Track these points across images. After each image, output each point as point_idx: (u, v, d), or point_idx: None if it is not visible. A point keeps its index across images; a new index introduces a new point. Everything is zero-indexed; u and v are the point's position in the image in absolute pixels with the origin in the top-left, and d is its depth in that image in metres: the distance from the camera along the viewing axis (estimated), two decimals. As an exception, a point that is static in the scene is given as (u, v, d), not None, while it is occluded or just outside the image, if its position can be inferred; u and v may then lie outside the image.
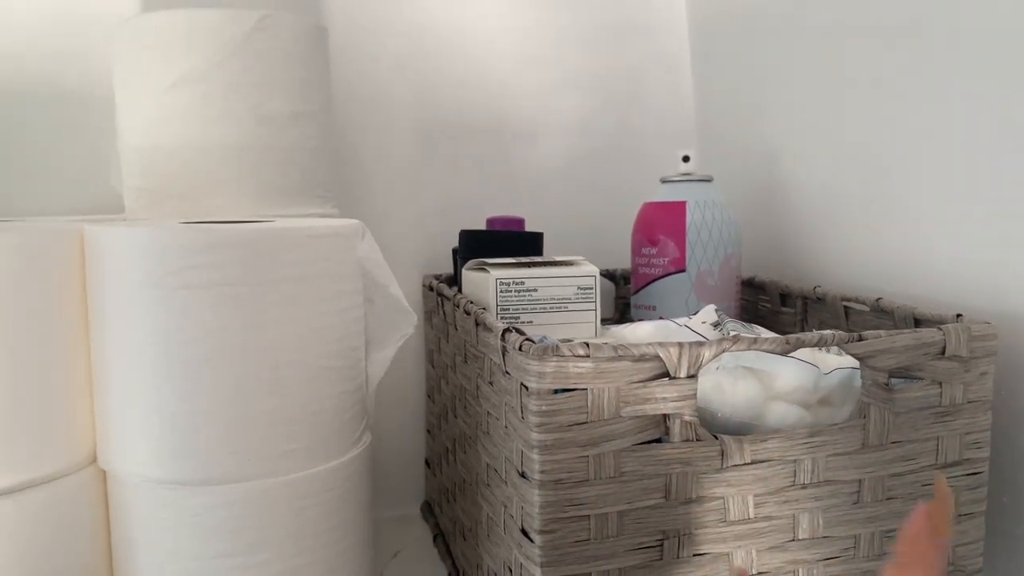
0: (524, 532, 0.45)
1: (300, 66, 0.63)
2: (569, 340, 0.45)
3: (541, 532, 0.43)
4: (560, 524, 0.43)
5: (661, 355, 0.43)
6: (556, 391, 0.42)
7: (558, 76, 0.86)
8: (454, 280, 0.74)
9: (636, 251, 0.70)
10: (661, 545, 0.45)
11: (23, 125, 0.72)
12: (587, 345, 0.42)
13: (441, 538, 0.72)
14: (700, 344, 0.43)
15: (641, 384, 0.43)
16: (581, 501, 0.43)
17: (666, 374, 0.43)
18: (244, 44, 0.60)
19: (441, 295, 0.68)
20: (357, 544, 0.54)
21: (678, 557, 0.45)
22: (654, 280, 0.68)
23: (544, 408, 0.42)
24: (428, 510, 0.80)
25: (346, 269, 0.52)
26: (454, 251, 0.77)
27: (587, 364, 0.42)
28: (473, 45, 0.84)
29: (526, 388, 0.43)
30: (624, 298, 0.82)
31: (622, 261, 0.78)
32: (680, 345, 0.43)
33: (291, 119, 0.63)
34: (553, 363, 0.42)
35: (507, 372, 0.47)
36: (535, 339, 0.44)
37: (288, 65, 0.62)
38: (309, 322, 0.50)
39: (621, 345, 0.43)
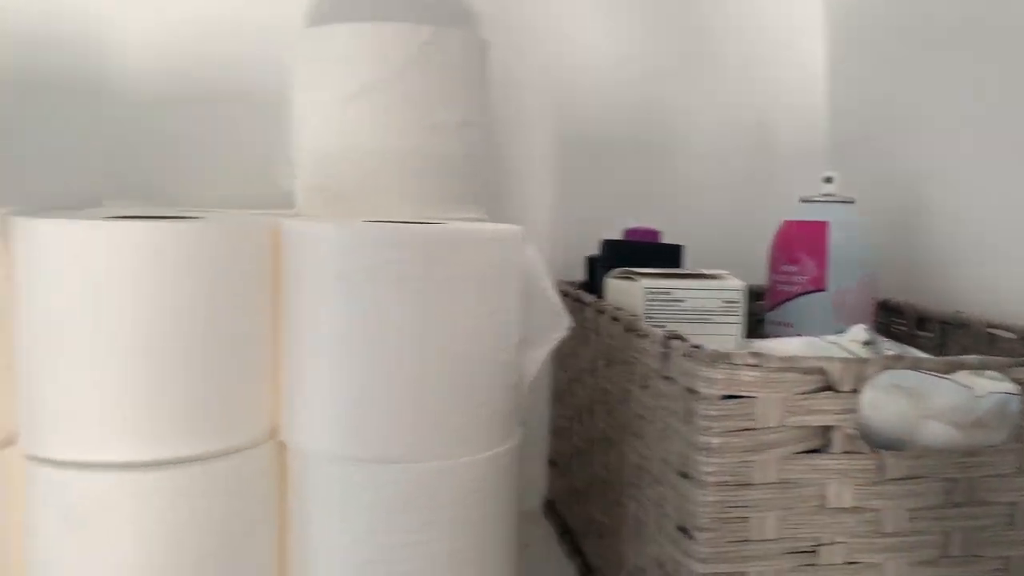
0: (682, 530, 0.47)
1: (466, 77, 0.67)
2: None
3: (703, 530, 0.45)
4: (721, 523, 0.45)
5: (827, 368, 0.45)
6: (725, 396, 0.44)
7: (696, 93, 0.88)
8: (588, 287, 0.77)
9: (774, 268, 0.72)
10: (815, 551, 0.46)
11: (198, 123, 0.78)
12: (757, 354, 0.44)
13: (568, 536, 0.75)
14: (864, 360, 0.45)
15: (805, 395, 0.45)
16: (742, 503, 0.45)
17: (829, 387, 0.45)
18: (419, 56, 0.64)
19: (579, 301, 0.71)
20: (508, 532, 0.57)
21: (831, 564, 0.47)
22: (792, 298, 0.70)
23: (713, 412, 0.44)
24: (551, 509, 0.82)
25: (511, 271, 0.56)
26: (588, 259, 0.80)
27: (757, 373, 0.44)
28: (612, 61, 0.87)
29: (694, 393, 0.46)
30: (754, 314, 0.83)
31: (749, 277, 0.79)
32: (846, 360, 0.45)
33: (456, 128, 0.66)
34: (724, 370, 0.44)
35: (667, 377, 0.50)
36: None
37: (456, 76, 0.66)
38: (478, 318, 0.53)
39: (789, 357, 0.45)
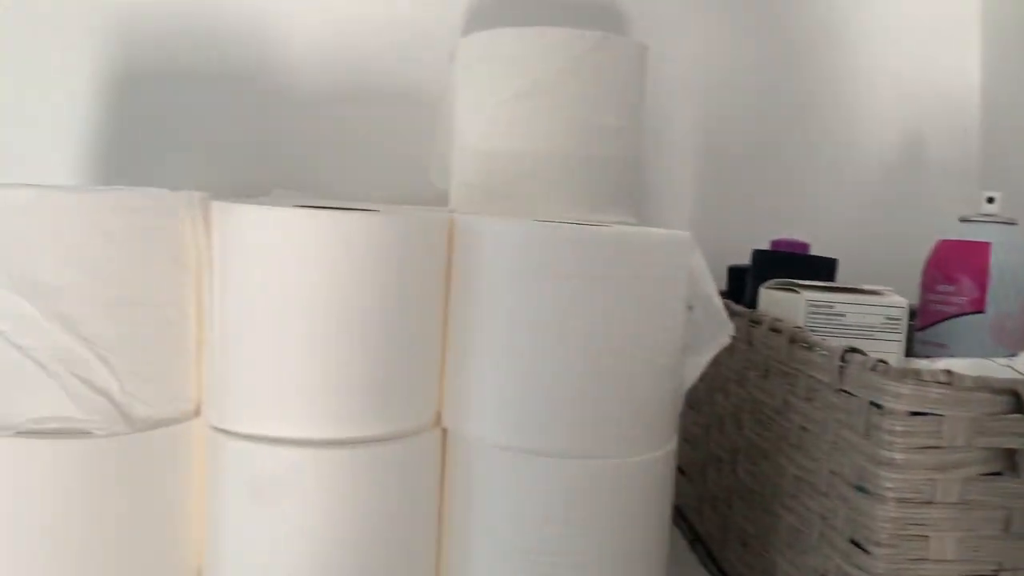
0: (855, 543, 0.47)
1: (626, 83, 0.68)
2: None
3: (881, 545, 0.45)
4: (900, 540, 0.45)
5: (1020, 391, 0.44)
6: (912, 413, 0.44)
7: (844, 106, 0.87)
8: (731, 296, 0.77)
9: (929, 287, 0.71)
10: (996, 575, 0.46)
11: (356, 120, 0.81)
12: (949, 372, 0.44)
13: (700, 543, 0.75)
14: (1060, 384, 0.44)
15: (994, 416, 0.44)
16: (923, 521, 0.45)
17: (1019, 410, 0.44)
18: (584, 61, 0.65)
19: (728, 310, 0.71)
20: (663, 534, 0.57)
21: (1011, 590, 0.46)
22: (948, 318, 0.69)
23: (899, 428, 0.44)
24: (678, 515, 0.82)
25: (680, 275, 0.56)
26: (730, 269, 0.80)
27: (946, 391, 0.44)
28: (762, 73, 0.86)
29: (878, 407, 0.45)
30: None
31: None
32: (1041, 383, 0.44)
33: (615, 133, 0.67)
34: (912, 385, 0.44)
35: (844, 390, 0.49)
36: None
37: (616, 82, 0.67)
38: (647, 321, 0.54)
39: (980, 377, 0.44)
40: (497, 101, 0.67)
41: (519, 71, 0.67)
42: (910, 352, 0.77)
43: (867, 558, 0.46)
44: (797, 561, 0.55)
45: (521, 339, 0.53)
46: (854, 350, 0.49)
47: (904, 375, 0.44)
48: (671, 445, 0.57)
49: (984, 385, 0.44)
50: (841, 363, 0.50)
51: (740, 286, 0.76)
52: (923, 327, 0.71)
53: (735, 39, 0.86)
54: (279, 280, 0.51)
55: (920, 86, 0.88)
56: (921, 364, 0.59)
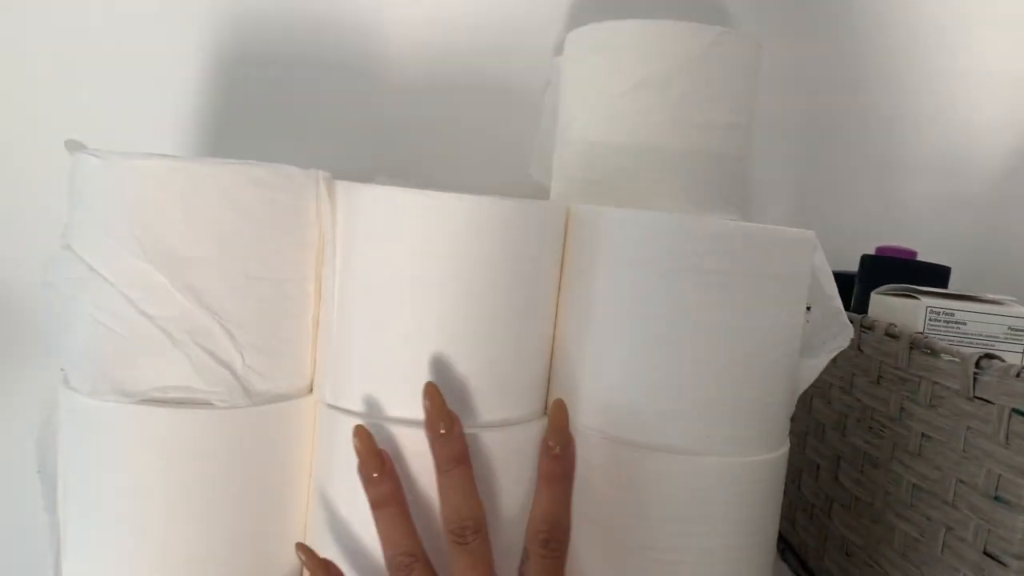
0: (992, 556, 0.45)
1: (741, 80, 0.67)
2: None
3: (1020, 558, 0.43)
4: (1041, 554, 0.43)
5: None
6: (1059, 422, 0.43)
7: (951, 114, 0.85)
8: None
9: (1045, 300, 0.69)
10: None
11: (458, 111, 0.81)
12: (1102, 382, 0.42)
13: (791, 552, 0.73)
14: None
15: None
16: (1065, 535, 0.43)
17: None
18: (701, 56, 0.64)
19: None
20: (774, 536, 0.56)
21: None
22: (1067, 332, 0.66)
23: (1045, 437, 0.43)
24: (766, 523, 0.81)
25: (802, 275, 0.55)
26: (834, 273, 0.78)
27: (1099, 400, 0.42)
28: (863, 77, 0.85)
29: (1021, 414, 0.44)
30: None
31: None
32: None
33: (727, 129, 0.66)
34: (1061, 394, 0.42)
35: (975, 397, 0.48)
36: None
37: (732, 78, 0.66)
38: (773, 318, 0.53)
39: None
40: (610, 94, 0.66)
41: (635, 64, 0.66)
42: (1022, 366, 0.75)
43: (1004, 570, 0.44)
44: (913, 573, 0.53)
45: (636, 330, 0.52)
46: (991, 356, 0.48)
47: (1053, 383, 0.43)
48: (784, 448, 0.56)
49: None
50: (976, 370, 0.48)
51: (842, 292, 0.74)
52: (1039, 341, 0.69)
53: (843, 39, 0.84)
54: (399, 261, 0.51)
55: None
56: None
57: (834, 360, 0.68)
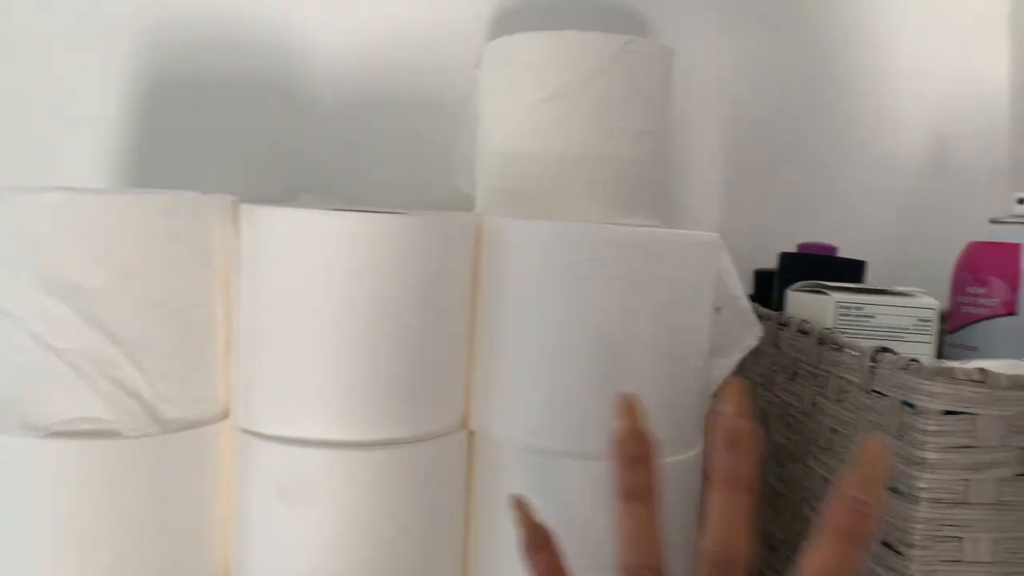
0: (888, 545, 0.46)
1: (652, 87, 0.68)
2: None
3: (914, 547, 0.44)
4: (934, 541, 0.44)
5: (1056, 390, 0.43)
6: (945, 412, 0.44)
7: (870, 107, 0.86)
8: (758, 299, 0.76)
9: (959, 289, 0.70)
10: (1033, 578, 0.45)
11: (382, 126, 0.81)
12: (983, 371, 0.43)
13: (727, 549, 0.74)
14: (1097, 384, 0.44)
15: (1029, 416, 0.44)
16: (956, 523, 0.44)
17: (1056, 409, 0.44)
18: (611, 65, 0.65)
19: (755, 313, 0.71)
20: (692, 534, 0.57)
21: (1049, 593, 0.45)
22: (979, 320, 0.68)
23: (931, 428, 0.44)
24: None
25: (708, 277, 0.56)
26: (756, 272, 0.80)
27: (982, 390, 0.43)
28: (787, 79, 0.86)
29: (911, 407, 0.45)
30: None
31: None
32: (1077, 382, 0.44)
33: (639, 136, 0.67)
34: (945, 384, 0.43)
35: (875, 391, 0.49)
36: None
37: (643, 85, 0.67)
38: (678, 321, 0.54)
39: (1015, 375, 0.44)
40: (524, 105, 0.67)
41: (546, 75, 0.66)
42: (940, 355, 0.77)
43: (899, 560, 0.45)
44: (828, 564, 0.54)
45: (548, 340, 0.53)
46: (885, 350, 0.49)
47: (937, 374, 0.44)
48: (699, 448, 0.57)
49: (1019, 383, 0.43)
50: (872, 363, 0.49)
51: (767, 289, 0.75)
52: (953, 330, 0.70)
53: (763, 41, 0.85)
54: (306, 282, 0.52)
55: (950, 87, 0.87)
56: (954, 363, 0.59)
57: (756, 358, 0.70)
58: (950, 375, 0.43)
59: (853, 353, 0.52)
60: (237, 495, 0.55)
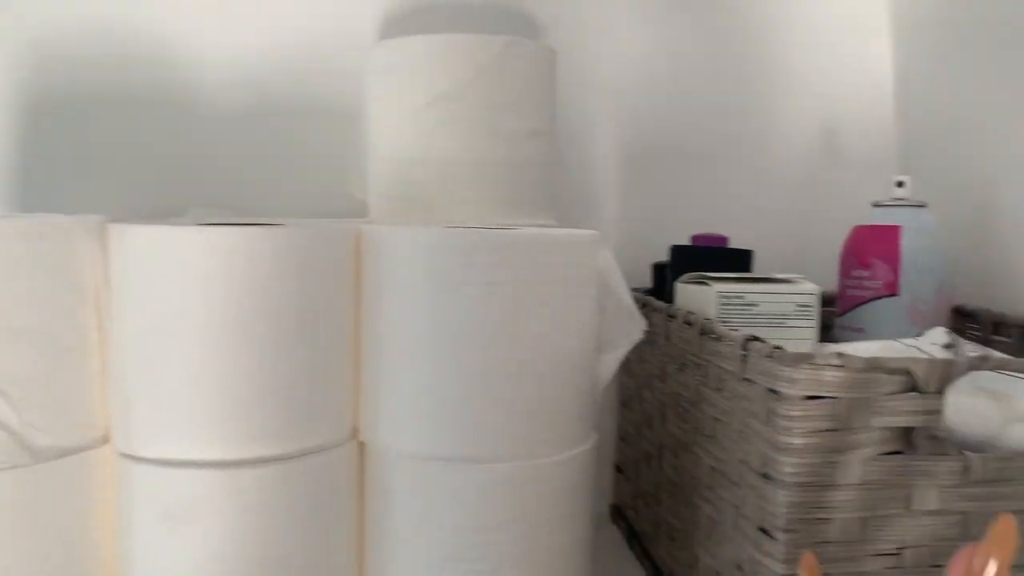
0: (763, 530, 0.47)
1: (536, 87, 0.68)
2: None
3: (785, 531, 0.45)
4: (804, 524, 0.45)
5: (912, 369, 0.45)
6: (808, 397, 0.45)
7: (762, 99, 0.88)
8: (654, 293, 0.77)
9: (845, 273, 0.72)
10: (900, 553, 0.46)
11: (276, 136, 0.80)
12: (840, 355, 0.44)
13: (636, 540, 0.75)
14: (950, 361, 0.45)
15: (890, 396, 0.45)
16: (825, 504, 0.45)
17: (914, 388, 0.45)
18: (492, 66, 0.65)
19: (648, 306, 0.72)
20: (584, 533, 0.57)
21: (916, 567, 0.46)
22: (864, 303, 0.69)
23: (795, 413, 0.45)
24: (618, 513, 0.83)
25: (589, 274, 0.56)
26: (654, 266, 0.81)
27: (840, 373, 0.44)
28: (679, 68, 0.87)
29: (775, 393, 0.46)
30: (823, 319, 0.83)
31: (817, 283, 0.79)
32: (930, 361, 0.45)
33: (527, 137, 0.67)
34: (806, 370, 0.44)
35: (746, 379, 0.50)
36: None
37: (527, 86, 0.68)
38: (560, 321, 0.54)
39: (873, 358, 0.45)
40: (408, 110, 0.67)
41: (427, 79, 0.66)
42: (831, 338, 0.78)
43: (773, 544, 0.46)
44: (715, 552, 0.55)
45: (429, 347, 0.53)
46: (754, 338, 0.50)
47: (798, 360, 0.44)
48: (588, 444, 0.57)
49: (876, 366, 0.44)
50: (743, 352, 0.50)
51: (663, 282, 0.76)
52: (842, 312, 0.72)
53: (652, 40, 0.86)
54: (178, 300, 0.50)
55: (837, 75, 0.89)
56: (816, 349, 0.60)
57: (652, 349, 0.70)
58: (810, 361, 0.44)
59: (728, 343, 0.53)
60: (119, 521, 0.53)
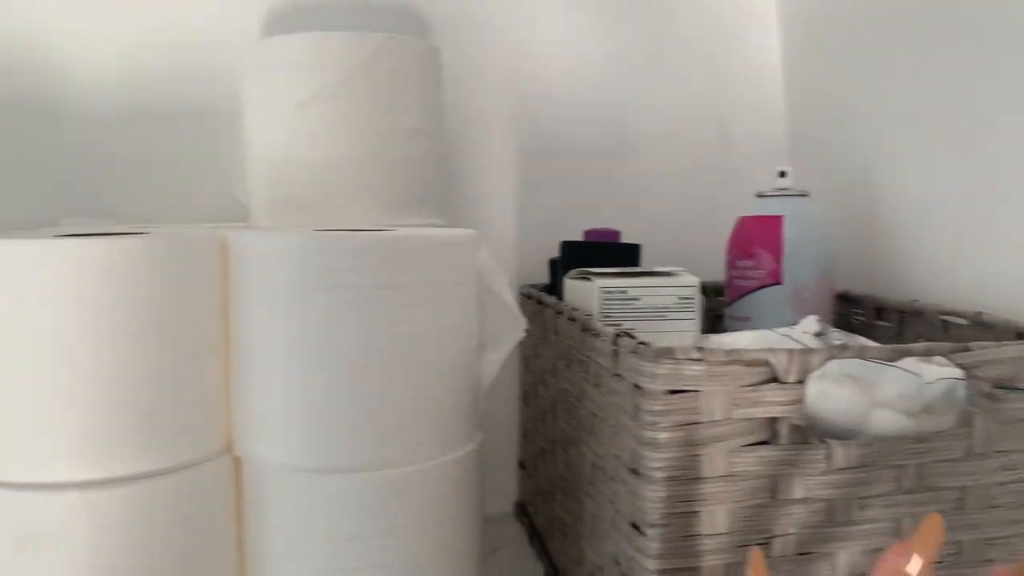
0: (635, 526, 0.47)
1: (417, 85, 0.67)
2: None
3: (653, 526, 0.45)
4: (672, 519, 0.45)
5: (771, 360, 0.45)
6: (670, 392, 0.45)
7: (652, 94, 0.88)
8: (551, 289, 0.77)
9: (731, 264, 0.72)
10: (768, 543, 0.47)
11: (155, 141, 0.77)
12: (701, 349, 0.44)
13: (537, 537, 0.75)
14: (809, 351, 0.45)
15: (751, 388, 0.45)
16: (692, 498, 0.45)
17: (775, 379, 0.45)
18: (368, 64, 0.64)
19: (541, 303, 0.71)
20: (471, 535, 0.57)
21: (784, 556, 0.47)
22: (749, 292, 0.70)
23: (658, 408, 0.45)
24: (522, 511, 0.82)
25: (465, 275, 0.56)
26: (551, 261, 0.80)
27: (700, 367, 0.44)
28: (570, 63, 0.87)
29: (640, 389, 0.46)
30: (714, 310, 0.83)
31: (711, 274, 0.80)
32: (790, 351, 0.45)
33: (408, 135, 0.66)
34: (667, 365, 0.44)
35: (617, 374, 0.50)
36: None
37: (407, 84, 0.66)
38: (434, 322, 0.53)
39: (733, 350, 0.45)
40: (284, 110, 0.65)
41: (303, 78, 0.65)
42: (721, 328, 0.79)
43: (643, 540, 0.46)
44: (598, 548, 0.55)
45: (297, 355, 0.51)
46: (624, 334, 0.49)
47: (659, 355, 0.44)
48: (471, 446, 0.57)
49: (737, 358, 0.45)
50: (613, 347, 0.50)
51: (557, 278, 0.76)
52: (730, 302, 0.73)
53: (544, 36, 0.86)
54: (32, 316, 0.48)
55: (727, 64, 0.90)
56: (697, 341, 0.61)
57: (547, 347, 0.70)
58: (670, 355, 0.44)
59: (604, 338, 0.53)
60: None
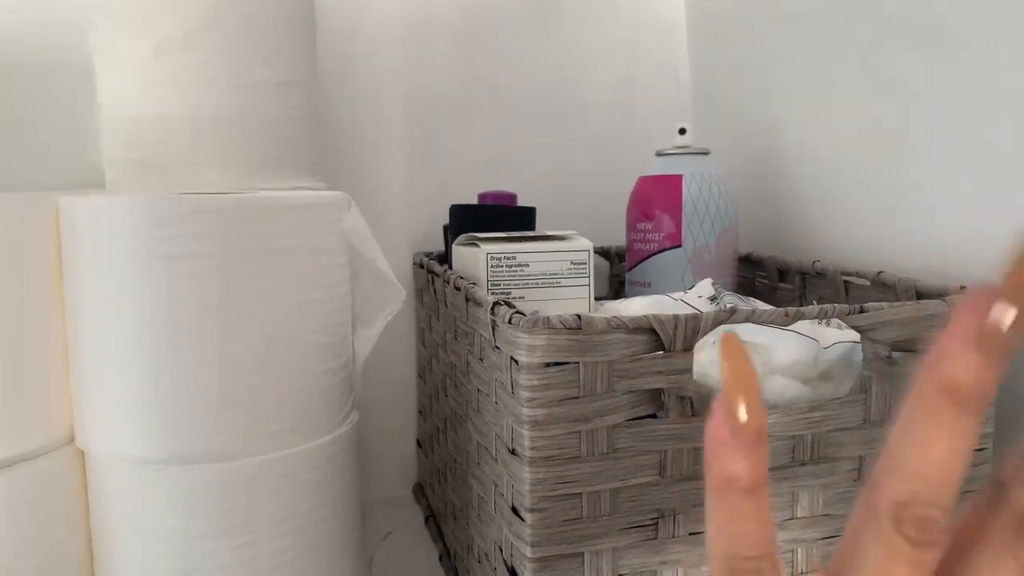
0: (515, 511, 0.43)
1: (284, 33, 0.61)
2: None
3: (532, 510, 0.42)
4: (551, 502, 0.42)
5: (656, 327, 0.41)
6: (547, 364, 0.41)
7: (552, 50, 0.84)
8: (445, 258, 0.72)
9: (631, 227, 0.69)
10: (656, 524, 0.43)
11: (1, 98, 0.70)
12: (579, 317, 0.41)
13: (432, 519, 0.71)
14: (696, 316, 0.42)
15: (635, 358, 0.42)
16: (573, 478, 0.42)
17: (661, 347, 0.42)
18: (227, 10, 0.58)
19: (431, 272, 0.67)
20: (345, 525, 0.52)
21: (674, 536, 0.44)
22: (649, 256, 0.67)
23: (534, 382, 0.41)
24: (420, 492, 0.78)
25: (330, 242, 0.51)
26: (445, 228, 0.75)
27: (579, 336, 0.40)
28: (465, 18, 0.82)
29: (516, 362, 0.42)
30: (619, 276, 0.80)
31: (617, 238, 0.76)
32: (675, 317, 0.42)
33: (275, 88, 0.60)
34: (544, 336, 0.40)
35: (497, 347, 0.46)
36: (526, 313, 0.42)
37: (272, 32, 0.60)
38: (293, 296, 0.48)
39: (614, 317, 0.41)
40: (133, 63, 0.59)
41: (153, 25, 0.58)
42: (620, 295, 0.76)
43: (523, 525, 0.42)
44: (483, 532, 0.51)
45: (136, 334, 0.46)
46: (500, 303, 0.45)
47: (535, 325, 0.40)
48: (345, 427, 0.52)
49: (618, 326, 0.41)
50: (492, 317, 0.46)
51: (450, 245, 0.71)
52: (630, 267, 0.69)
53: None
54: None
55: (628, 26, 0.86)
56: (591, 309, 0.57)
57: (438, 318, 0.66)
58: (547, 325, 0.40)
59: (484, 308, 0.48)
60: None
